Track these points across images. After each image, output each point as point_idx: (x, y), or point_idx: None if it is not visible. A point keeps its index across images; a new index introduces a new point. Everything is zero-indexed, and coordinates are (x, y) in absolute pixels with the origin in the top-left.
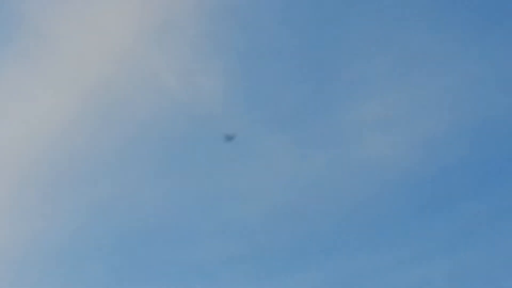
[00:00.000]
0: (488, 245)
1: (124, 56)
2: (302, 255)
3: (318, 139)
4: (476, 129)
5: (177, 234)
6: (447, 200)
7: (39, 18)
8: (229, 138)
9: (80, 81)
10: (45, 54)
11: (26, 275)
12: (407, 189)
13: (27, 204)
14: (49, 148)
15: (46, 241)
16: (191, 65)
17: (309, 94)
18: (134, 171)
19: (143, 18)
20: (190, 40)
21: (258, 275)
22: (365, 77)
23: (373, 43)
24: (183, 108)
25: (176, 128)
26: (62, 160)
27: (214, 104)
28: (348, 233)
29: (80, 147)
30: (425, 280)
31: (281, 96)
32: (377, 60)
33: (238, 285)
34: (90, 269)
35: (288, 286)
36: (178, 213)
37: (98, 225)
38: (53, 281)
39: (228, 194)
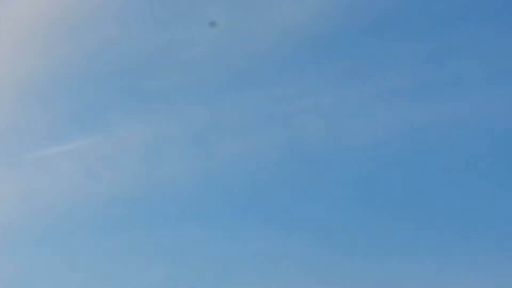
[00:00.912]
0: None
1: None
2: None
3: None
4: None
5: (140, 65)
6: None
7: None
8: (212, 23)
9: None
10: None
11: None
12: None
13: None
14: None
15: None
16: None
17: None
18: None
19: None
20: None
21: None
22: None
23: None
24: None
25: None
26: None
27: None
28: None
29: None
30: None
31: None
32: None
33: (194, 109)
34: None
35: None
36: (144, 48)
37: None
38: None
39: (190, 39)
